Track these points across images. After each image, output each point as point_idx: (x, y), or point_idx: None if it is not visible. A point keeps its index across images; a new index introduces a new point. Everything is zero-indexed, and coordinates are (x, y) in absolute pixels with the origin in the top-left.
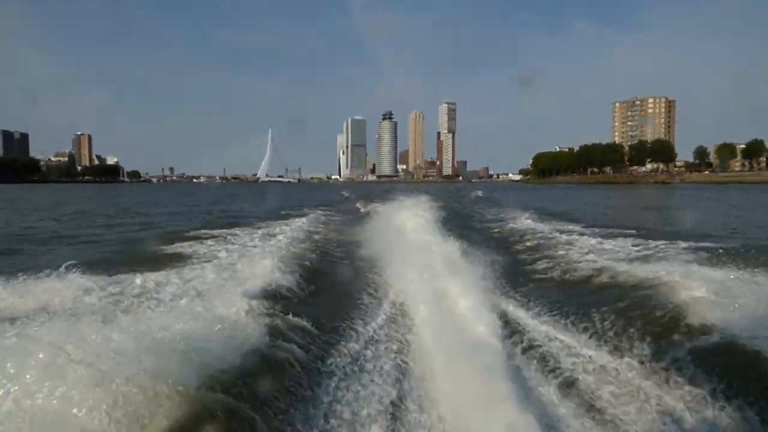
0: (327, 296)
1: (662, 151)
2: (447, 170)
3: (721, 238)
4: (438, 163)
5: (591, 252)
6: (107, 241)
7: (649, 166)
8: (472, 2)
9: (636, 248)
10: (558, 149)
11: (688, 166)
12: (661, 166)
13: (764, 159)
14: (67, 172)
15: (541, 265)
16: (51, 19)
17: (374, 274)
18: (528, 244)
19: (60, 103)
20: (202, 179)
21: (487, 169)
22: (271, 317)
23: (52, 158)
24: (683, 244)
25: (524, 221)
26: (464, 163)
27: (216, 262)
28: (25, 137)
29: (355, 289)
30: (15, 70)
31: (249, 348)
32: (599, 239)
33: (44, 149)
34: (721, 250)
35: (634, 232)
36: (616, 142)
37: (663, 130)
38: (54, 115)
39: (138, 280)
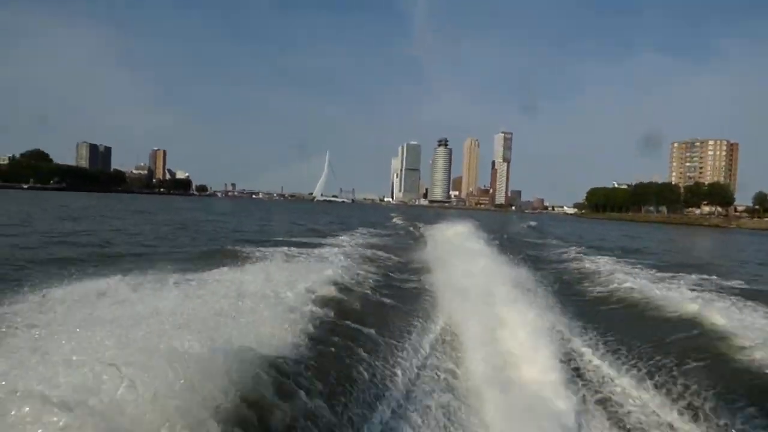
0: (376, 313)
1: (719, 194)
2: (500, 199)
3: None
4: (491, 191)
5: (656, 290)
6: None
7: (706, 208)
8: (530, 30)
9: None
10: (616, 185)
11: (750, 212)
12: (719, 209)
13: None
14: (147, 185)
15: (609, 303)
16: (136, 41)
17: (426, 296)
18: (591, 278)
19: (136, 120)
20: (260, 195)
21: (542, 200)
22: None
23: (134, 171)
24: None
25: (586, 255)
26: (518, 192)
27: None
28: (108, 150)
29: (406, 310)
30: (101, 87)
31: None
32: (663, 280)
33: (123, 162)
34: None
35: (706, 276)
36: (673, 182)
37: (723, 173)
38: (130, 130)
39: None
